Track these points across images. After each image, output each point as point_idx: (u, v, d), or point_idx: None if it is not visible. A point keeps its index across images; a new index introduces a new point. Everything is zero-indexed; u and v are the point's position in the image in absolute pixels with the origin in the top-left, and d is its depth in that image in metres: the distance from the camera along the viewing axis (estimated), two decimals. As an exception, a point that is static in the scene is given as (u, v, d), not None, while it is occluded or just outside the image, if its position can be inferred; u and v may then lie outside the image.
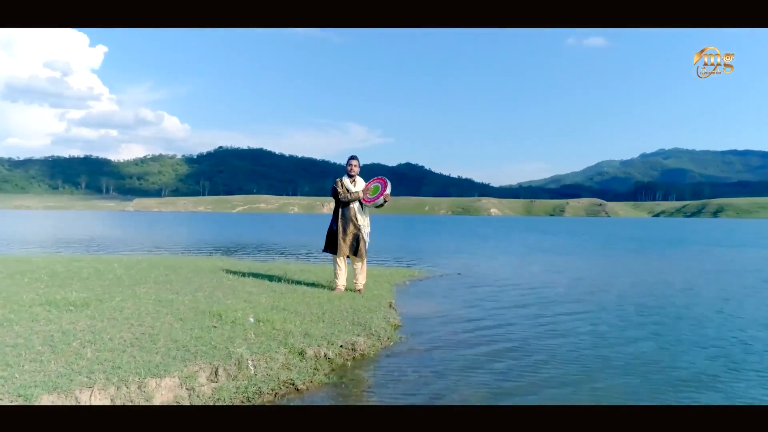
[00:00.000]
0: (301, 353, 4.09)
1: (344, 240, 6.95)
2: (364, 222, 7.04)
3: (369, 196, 6.95)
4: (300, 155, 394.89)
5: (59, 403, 2.74)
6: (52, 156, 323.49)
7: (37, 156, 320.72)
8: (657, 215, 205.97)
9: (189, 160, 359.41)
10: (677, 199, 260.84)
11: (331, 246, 7.06)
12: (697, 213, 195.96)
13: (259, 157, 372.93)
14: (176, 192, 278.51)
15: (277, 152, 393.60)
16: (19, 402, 2.63)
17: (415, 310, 6.66)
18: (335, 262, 7.08)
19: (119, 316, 4.71)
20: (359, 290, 7.04)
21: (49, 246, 17.77)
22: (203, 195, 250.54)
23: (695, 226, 61.30)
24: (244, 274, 8.23)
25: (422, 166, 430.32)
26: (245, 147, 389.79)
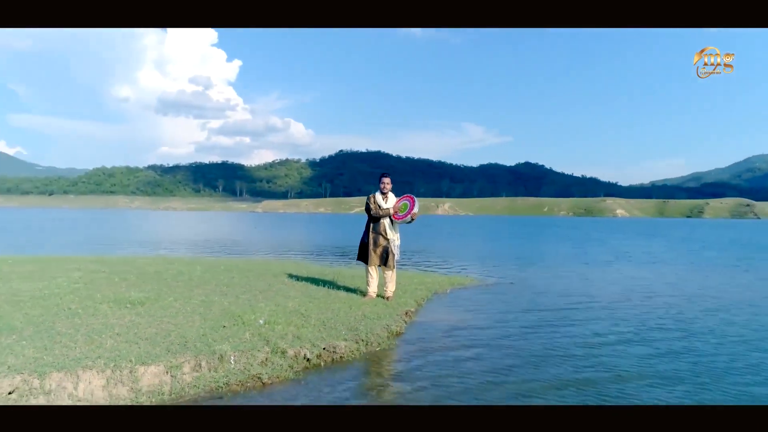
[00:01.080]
0: (283, 353, 4.79)
1: (375, 252, 7.59)
2: (393, 236, 7.63)
3: (399, 214, 7.54)
4: (416, 157, 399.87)
5: (64, 380, 3.70)
6: (195, 162, 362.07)
7: (183, 162, 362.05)
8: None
9: (312, 164, 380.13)
10: None
11: (363, 256, 7.73)
12: None
13: (377, 159, 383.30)
14: (300, 194, 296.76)
15: (394, 154, 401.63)
16: (34, 377, 3.62)
17: (432, 319, 7.07)
18: (367, 271, 7.74)
19: (160, 314, 5.75)
20: (388, 297, 7.63)
21: (169, 246, 20.45)
22: (324, 197, 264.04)
23: None
24: (298, 278, 9.16)
25: (542, 165, 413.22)
26: (364, 150, 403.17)
